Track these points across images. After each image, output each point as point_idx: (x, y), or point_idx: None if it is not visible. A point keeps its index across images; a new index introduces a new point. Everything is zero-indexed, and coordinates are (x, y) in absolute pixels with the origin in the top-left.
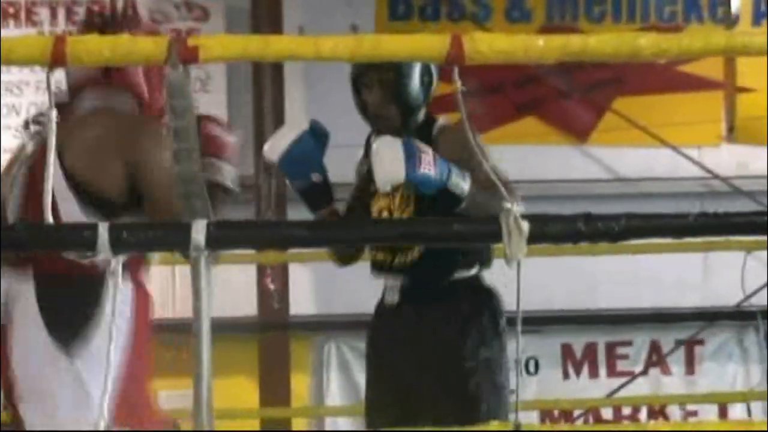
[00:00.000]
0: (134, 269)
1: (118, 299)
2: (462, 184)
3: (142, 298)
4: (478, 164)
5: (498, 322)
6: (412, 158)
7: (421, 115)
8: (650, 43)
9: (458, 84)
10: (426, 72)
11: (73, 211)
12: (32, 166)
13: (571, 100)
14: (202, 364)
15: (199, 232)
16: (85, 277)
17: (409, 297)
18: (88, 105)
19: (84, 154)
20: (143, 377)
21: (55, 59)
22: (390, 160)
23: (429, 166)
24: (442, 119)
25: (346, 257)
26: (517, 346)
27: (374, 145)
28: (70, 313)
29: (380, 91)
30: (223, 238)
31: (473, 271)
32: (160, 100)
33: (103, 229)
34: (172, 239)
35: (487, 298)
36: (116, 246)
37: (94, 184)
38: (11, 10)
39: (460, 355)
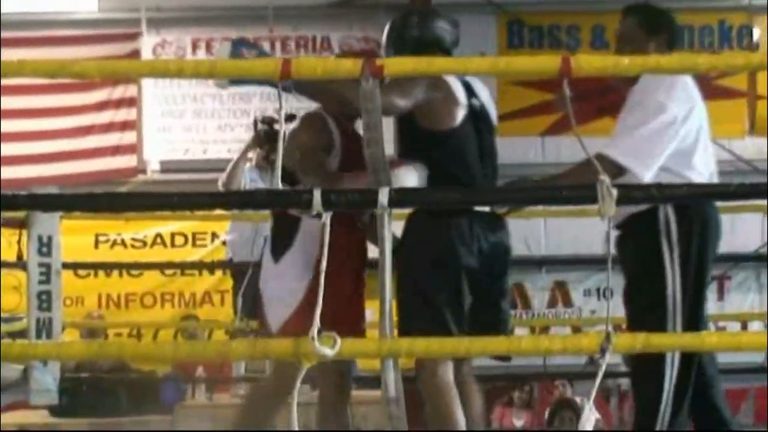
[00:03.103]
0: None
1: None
2: None
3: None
4: None
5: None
6: None
7: None
8: (705, 61)
9: (567, 90)
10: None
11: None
12: None
13: None
14: (385, 288)
15: (384, 195)
16: (287, 216)
17: None
18: None
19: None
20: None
21: (283, 74)
22: None
23: None
24: None
25: None
26: (608, 278)
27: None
28: (281, 236)
29: None
30: (399, 200)
31: None
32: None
33: (317, 193)
34: (366, 200)
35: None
36: (326, 205)
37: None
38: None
39: None
